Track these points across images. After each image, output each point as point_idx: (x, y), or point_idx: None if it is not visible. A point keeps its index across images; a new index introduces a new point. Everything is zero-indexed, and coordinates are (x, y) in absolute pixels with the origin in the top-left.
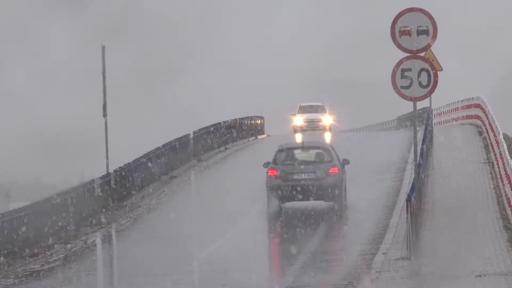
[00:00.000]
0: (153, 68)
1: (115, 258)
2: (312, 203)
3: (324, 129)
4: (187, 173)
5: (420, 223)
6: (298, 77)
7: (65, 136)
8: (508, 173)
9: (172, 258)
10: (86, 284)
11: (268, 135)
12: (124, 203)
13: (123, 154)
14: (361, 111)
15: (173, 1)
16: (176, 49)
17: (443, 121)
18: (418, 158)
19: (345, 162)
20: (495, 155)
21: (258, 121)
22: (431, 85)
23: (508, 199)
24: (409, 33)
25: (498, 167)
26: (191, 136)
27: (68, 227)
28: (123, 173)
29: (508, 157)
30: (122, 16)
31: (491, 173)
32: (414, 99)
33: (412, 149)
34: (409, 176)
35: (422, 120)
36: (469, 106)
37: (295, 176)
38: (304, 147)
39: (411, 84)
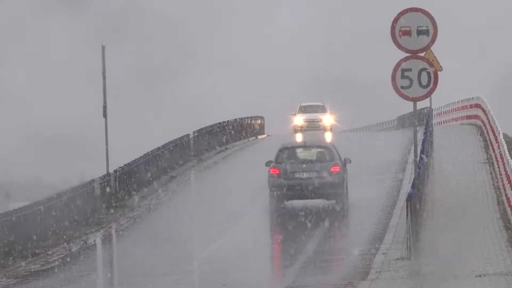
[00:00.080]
0: (153, 68)
1: (115, 258)
2: (313, 202)
3: (324, 129)
4: (187, 173)
5: (420, 223)
6: (298, 77)
7: (65, 136)
8: (508, 173)
9: (172, 258)
10: (86, 284)
11: (268, 135)
12: (124, 203)
13: (123, 154)
14: (361, 111)
15: (173, 1)
16: (176, 49)
17: (443, 121)
18: (418, 158)
19: (347, 161)
20: (495, 155)
21: (258, 121)
22: (431, 85)
23: (508, 199)
24: (409, 33)
25: (498, 167)
26: (191, 136)
27: (68, 227)
28: (123, 173)
29: (508, 157)
30: (122, 16)
31: (491, 173)
32: (414, 99)
33: (412, 149)
34: (409, 176)
35: (422, 120)
36: (469, 106)
37: (297, 175)
38: (306, 146)
39: (411, 84)
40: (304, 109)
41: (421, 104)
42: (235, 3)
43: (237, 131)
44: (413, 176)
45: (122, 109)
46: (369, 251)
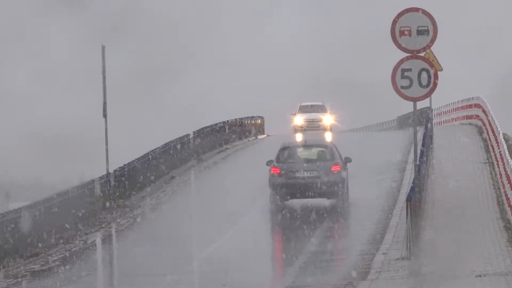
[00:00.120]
0: (153, 68)
1: (115, 258)
2: (313, 201)
3: (324, 129)
4: (187, 173)
5: (420, 223)
6: (298, 77)
7: (65, 136)
8: (508, 173)
9: (172, 258)
10: (86, 284)
11: (268, 135)
12: (124, 203)
13: (123, 154)
14: (361, 111)
15: (173, 1)
16: (176, 49)
17: (443, 121)
18: (418, 158)
19: (347, 160)
20: (495, 155)
21: (258, 121)
22: (431, 85)
23: (508, 199)
24: (409, 33)
25: (498, 167)
26: (191, 136)
27: (68, 227)
28: (123, 173)
29: (508, 157)
30: (122, 16)
31: (491, 173)
32: (414, 99)
33: (412, 149)
34: (409, 176)
35: (422, 120)
36: (469, 106)
37: (298, 174)
38: (306, 145)
39: (411, 84)
40: (304, 109)
41: (421, 104)
42: (235, 3)
43: (237, 131)
44: (413, 176)
45: (122, 109)
46: (369, 251)
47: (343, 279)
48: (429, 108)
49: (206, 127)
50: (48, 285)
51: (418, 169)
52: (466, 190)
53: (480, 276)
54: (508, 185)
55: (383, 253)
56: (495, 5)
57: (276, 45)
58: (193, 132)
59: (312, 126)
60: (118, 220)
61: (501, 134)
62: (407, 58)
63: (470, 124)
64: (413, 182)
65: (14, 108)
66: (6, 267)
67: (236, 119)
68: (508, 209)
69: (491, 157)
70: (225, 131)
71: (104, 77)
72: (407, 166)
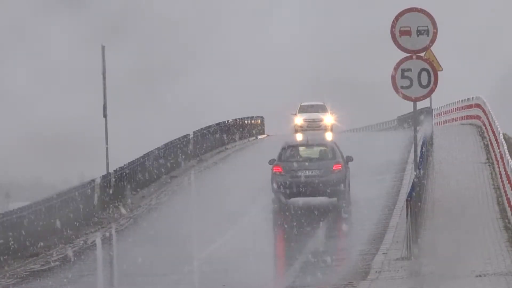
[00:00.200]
0: (153, 68)
1: (115, 258)
2: (313, 201)
3: (325, 129)
4: (187, 173)
5: (420, 223)
6: (298, 77)
7: (65, 136)
8: (508, 173)
9: (172, 258)
10: (86, 284)
11: (268, 135)
12: (124, 203)
13: (123, 154)
14: (361, 111)
15: (173, 1)
16: (176, 49)
17: (443, 121)
18: (418, 158)
19: (349, 159)
20: (495, 155)
21: (258, 121)
22: (431, 85)
23: (508, 199)
24: (409, 33)
25: (498, 167)
26: (191, 136)
27: (68, 227)
28: (123, 173)
29: (508, 157)
30: (122, 16)
31: (491, 173)
32: (414, 99)
33: (412, 149)
34: (409, 176)
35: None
36: (469, 106)
37: (300, 173)
38: (308, 144)
39: (411, 84)
40: (304, 109)
41: (421, 104)
42: (235, 3)
43: (237, 131)
44: (413, 176)
45: (122, 109)
46: (369, 251)
47: (343, 279)
48: (429, 108)
49: (206, 127)
50: (48, 285)
51: (418, 169)
52: (466, 190)
53: (480, 276)
54: (508, 185)
55: (383, 253)
56: (495, 5)
57: (276, 45)
58: (193, 132)
59: (313, 126)
60: (118, 220)
61: (501, 134)
62: (407, 58)
63: (470, 124)
64: (413, 182)
65: (14, 108)
66: (6, 267)
67: (236, 119)
68: (508, 209)
69: (491, 157)
70: (225, 131)
71: (104, 77)
72: (407, 166)
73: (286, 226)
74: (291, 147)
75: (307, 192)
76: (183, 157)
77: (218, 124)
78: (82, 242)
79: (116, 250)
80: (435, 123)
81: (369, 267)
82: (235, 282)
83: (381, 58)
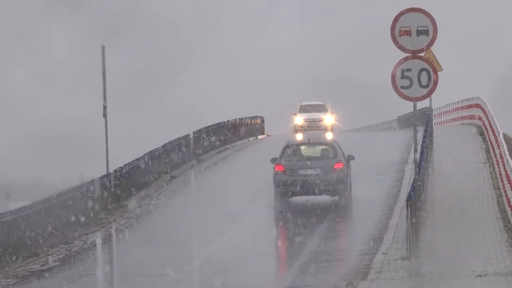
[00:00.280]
0: (153, 68)
1: (115, 258)
2: (314, 200)
3: (325, 129)
4: (187, 173)
5: (420, 223)
6: (298, 77)
7: (65, 136)
8: (508, 173)
9: (172, 258)
10: (86, 284)
11: (268, 135)
12: (124, 203)
13: (123, 154)
14: (361, 111)
15: (173, 1)
16: (176, 49)
17: (443, 121)
18: (418, 158)
19: (350, 158)
20: (495, 155)
21: (258, 121)
22: (431, 85)
23: (508, 199)
24: (409, 33)
25: (498, 167)
26: (191, 136)
27: (68, 227)
28: (123, 173)
29: (508, 157)
30: (122, 16)
31: (491, 173)
32: (414, 99)
33: (412, 149)
34: (409, 176)
35: (422, 121)
36: (469, 106)
37: (301, 172)
38: (310, 143)
39: (411, 84)
40: (304, 109)
41: (421, 104)
42: (235, 3)
43: (237, 131)
44: (413, 176)
45: (122, 109)
46: (369, 251)
47: (343, 279)
48: (429, 108)
49: (205, 127)
50: (48, 285)
51: (418, 169)
52: (466, 190)
53: (480, 276)
54: (508, 185)
55: (383, 253)
56: (495, 5)
57: (276, 45)
58: (193, 132)
59: (313, 126)
60: (118, 220)
61: (501, 134)
62: (407, 58)
63: (470, 124)
64: (413, 182)
65: (14, 108)
66: (6, 267)
67: (236, 119)
68: (508, 209)
69: (491, 157)
70: (225, 131)
71: (104, 77)
72: (407, 166)
73: (286, 225)
74: (293, 146)
75: (309, 191)
76: (183, 157)
77: (218, 124)
78: (82, 242)
79: (116, 250)
80: (435, 123)
81: (369, 267)
82: (235, 282)
83: (381, 58)
